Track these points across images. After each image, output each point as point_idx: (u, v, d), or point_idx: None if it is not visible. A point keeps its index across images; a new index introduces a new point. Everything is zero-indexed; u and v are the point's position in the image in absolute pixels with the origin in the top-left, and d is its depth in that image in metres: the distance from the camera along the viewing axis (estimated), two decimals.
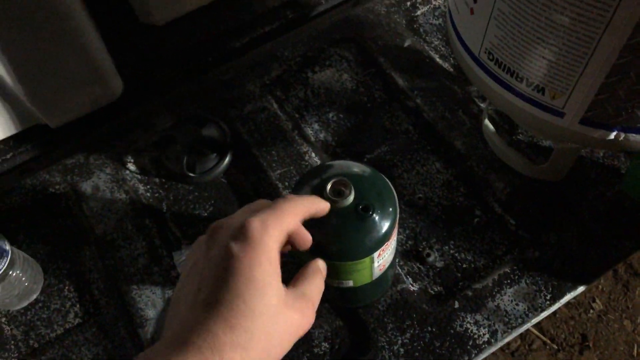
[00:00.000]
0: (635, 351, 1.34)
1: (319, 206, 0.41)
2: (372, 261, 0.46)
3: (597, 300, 1.41)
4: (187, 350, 0.30)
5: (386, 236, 0.45)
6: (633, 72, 0.41)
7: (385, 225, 0.45)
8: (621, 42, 0.39)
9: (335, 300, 0.59)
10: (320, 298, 0.38)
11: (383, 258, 0.48)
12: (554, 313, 1.39)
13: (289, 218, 0.36)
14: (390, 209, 0.45)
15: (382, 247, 0.46)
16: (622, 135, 0.46)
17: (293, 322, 0.35)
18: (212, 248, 0.35)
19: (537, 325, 1.37)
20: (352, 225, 0.44)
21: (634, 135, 0.46)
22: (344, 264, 0.46)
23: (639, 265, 1.44)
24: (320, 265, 0.41)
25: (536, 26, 0.43)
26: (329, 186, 0.43)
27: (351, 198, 0.43)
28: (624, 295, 1.41)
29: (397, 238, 0.62)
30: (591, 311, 1.39)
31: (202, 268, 0.34)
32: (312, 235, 0.39)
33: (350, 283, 0.50)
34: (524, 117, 0.50)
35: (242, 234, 0.34)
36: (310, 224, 0.40)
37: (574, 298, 1.37)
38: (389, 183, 0.47)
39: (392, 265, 0.53)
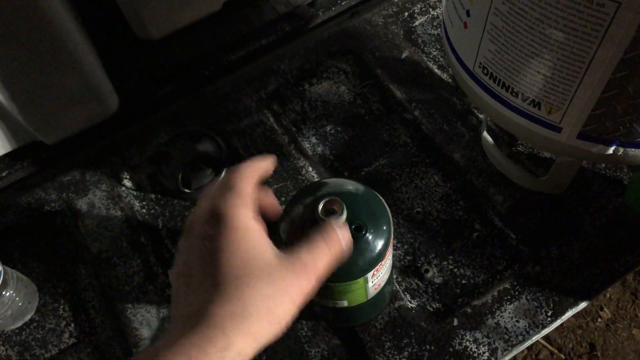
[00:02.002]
0: None
1: (264, 162, 0.40)
2: (367, 281, 0.46)
3: (605, 309, 1.38)
4: (188, 335, 0.31)
5: (380, 256, 0.44)
6: (630, 86, 0.40)
7: (379, 245, 0.44)
8: (617, 57, 0.38)
9: (331, 320, 0.58)
10: (325, 266, 0.35)
11: (378, 277, 0.47)
12: (562, 322, 1.37)
13: (244, 184, 0.36)
14: (384, 228, 0.44)
15: (376, 267, 0.45)
16: (621, 150, 0.45)
17: (289, 283, 0.34)
18: (189, 238, 0.36)
19: (544, 335, 1.35)
20: None
21: (633, 149, 0.45)
22: (337, 285, 0.45)
23: None
24: (330, 232, 0.37)
25: (530, 41, 0.42)
26: (320, 206, 0.42)
27: (343, 217, 0.42)
28: (632, 303, 1.39)
29: (395, 254, 0.61)
30: (599, 320, 1.37)
31: (187, 257, 0.35)
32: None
33: (345, 303, 0.49)
34: (521, 132, 0.49)
35: (211, 216, 0.34)
36: (298, 235, 0.39)
37: None
38: (383, 201, 0.46)
39: (389, 282, 0.53)
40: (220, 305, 0.31)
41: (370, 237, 0.43)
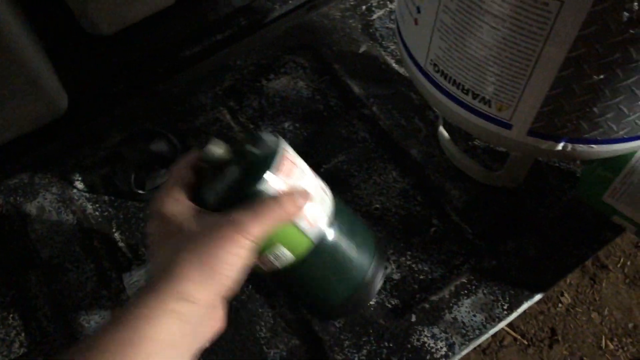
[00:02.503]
0: (603, 343, 1.36)
1: (190, 157, 0.42)
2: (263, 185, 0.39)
3: (565, 294, 1.42)
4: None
5: (268, 159, 0.39)
6: (575, 84, 0.40)
7: (262, 153, 0.40)
8: (562, 55, 0.39)
9: (298, 300, 0.52)
10: (262, 229, 0.36)
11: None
12: None
13: (170, 183, 0.40)
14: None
15: (275, 165, 0.39)
16: (570, 146, 0.46)
17: (213, 234, 0.35)
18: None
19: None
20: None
21: (580, 145, 0.45)
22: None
23: (605, 258, 1.46)
24: (284, 200, 0.38)
25: (478, 38, 0.42)
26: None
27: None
28: (591, 288, 1.43)
29: None
30: (559, 305, 1.41)
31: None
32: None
33: (286, 253, 0.41)
34: (473, 129, 0.50)
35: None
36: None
37: None
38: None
39: (349, 233, 0.44)
40: (161, 270, 0.35)
41: (251, 150, 0.40)
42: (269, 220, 0.36)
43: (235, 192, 0.39)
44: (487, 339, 1.35)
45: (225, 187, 0.39)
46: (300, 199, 0.39)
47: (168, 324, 0.33)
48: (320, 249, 0.42)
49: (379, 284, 0.46)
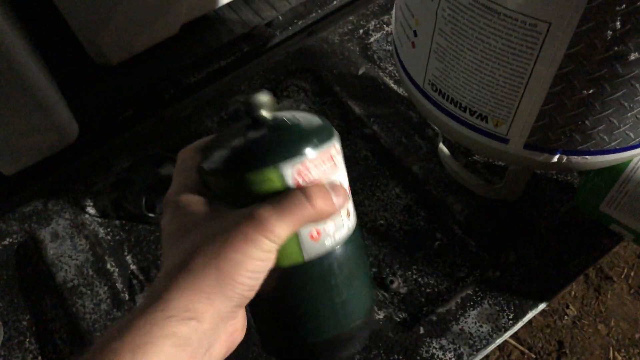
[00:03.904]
0: (611, 354, 1.36)
1: (197, 143, 0.36)
2: (283, 179, 0.31)
3: (571, 307, 1.43)
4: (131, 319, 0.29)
5: (301, 145, 0.31)
6: (567, 99, 0.42)
7: (301, 132, 0.32)
8: (552, 72, 0.41)
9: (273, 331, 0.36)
10: (288, 229, 0.30)
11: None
12: (530, 322, 1.40)
13: (178, 174, 0.35)
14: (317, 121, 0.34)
15: (302, 162, 0.31)
16: (565, 158, 0.48)
17: (232, 235, 0.29)
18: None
19: (514, 336, 1.38)
20: (245, 131, 0.33)
21: (575, 157, 0.47)
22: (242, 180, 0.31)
23: (609, 269, 1.46)
24: (299, 195, 0.31)
25: (473, 59, 0.44)
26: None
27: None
28: (596, 299, 1.44)
29: None
30: (566, 317, 1.41)
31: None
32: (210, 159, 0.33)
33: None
34: (472, 144, 0.52)
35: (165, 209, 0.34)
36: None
37: (548, 306, 1.39)
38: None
39: (352, 254, 0.34)
40: (159, 278, 0.30)
41: (288, 122, 0.33)
42: (297, 219, 0.30)
43: (258, 166, 0.31)
44: (495, 354, 1.35)
45: (248, 155, 0.31)
46: (338, 197, 0.32)
47: (164, 353, 0.28)
48: (307, 272, 0.33)
49: (361, 342, 0.37)
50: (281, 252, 0.31)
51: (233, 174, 0.32)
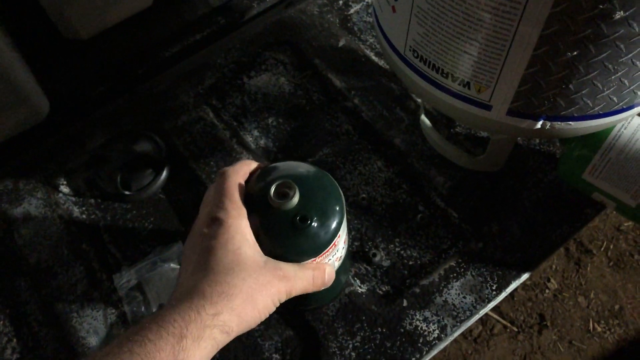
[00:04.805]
0: (591, 326, 1.39)
1: (250, 166, 0.47)
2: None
3: (552, 280, 1.44)
4: (185, 303, 0.38)
5: (318, 249, 0.44)
6: (551, 62, 0.41)
7: (320, 240, 0.44)
8: (536, 33, 0.40)
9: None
10: (301, 287, 0.43)
11: None
12: (512, 296, 1.42)
13: (233, 190, 0.43)
14: (332, 226, 0.44)
15: (312, 259, 0.45)
16: (548, 124, 0.47)
17: (270, 283, 0.41)
18: (192, 236, 0.44)
19: (497, 310, 1.40)
20: (288, 230, 0.43)
21: (559, 123, 0.47)
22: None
23: (589, 243, 1.48)
24: (322, 266, 0.46)
25: (455, 21, 0.42)
26: (273, 189, 0.42)
27: (296, 200, 0.42)
28: (577, 272, 1.46)
29: None
30: (547, 291, 1.43)
31: (188, 252, 0.43)
32: (252, 229, 0.42)
33: None
34: (454, 112, 0.51)
35: (209, 219, 0.42)
36: (249, 218, 0.42)
37: (530, 279, 1.40)
38: (337, 185, 0.46)
39: (342, 272, 0.53)
40: (211, 285, 0.39)
41: (313, 230, 0.43)
42: (305, 288, 0.44)
43: (293, 259, 0.44)
44: (478, 328, 1.37)
45: (291, 250, 0.44)
46: (330, 279, 0.47)
47: (207, 351, 0.38)
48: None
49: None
50: None
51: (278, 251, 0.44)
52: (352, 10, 0.80)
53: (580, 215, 0.62)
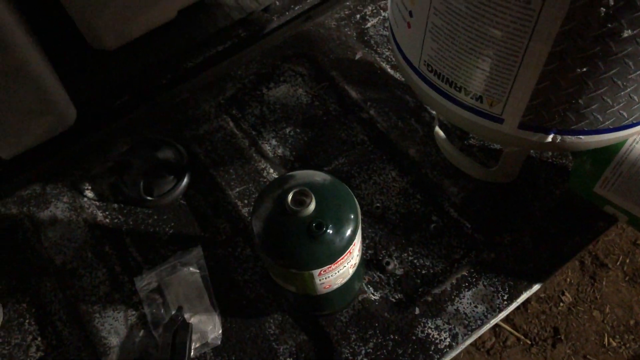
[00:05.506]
0: (606, 340, 1.37)
1: None
2: (312, 277, 0.47)
3: (567, 293, 1.44)
4: None
5: (330, 258, 0.46)
6: (561, 77, 0.43)
7: (334, 249, 0.46)
8: (546, 50, 0.41)
9: (293, 305, 0.60)
10: None
11: (327, 277, 0.49)
12: (526, 308, 1.42)
13: None
14: (347, 234, 0.46)
15: (324, 269, 0.46)
16: (559, 138, 0.48)
17: None
18: None
19: (510, 322, 1.39)
20: (304, 237, 0.44)
21: (569, 136, 0.48)
22: (282, 268, 0.47)
23: (604, 257, 1.47)
24: None
25: (468, 38, 0.44)
26: (290, 196, 0.43)
27: (312, 207, 0.44)
28: (592, 286, 1.45)
29: None
30: (561, 304, 1.42)
31: None
32: (266, 235, 0.44)
33: (292, 288, 0.51)
34: (467, 125, 0.52)
35: None
36: (267, 225, 0.44)
37: (544, 292, 1.40)
38: (352, 194, 0.48)
39: (356, 279, 0.54)
40: None
41: (328, 237, 0.45)
42: None
43: (301, 269, 0.47)
44: (491, 340, 1.36)
45: (299, 260, 0.46)
46: None
47: None
48: (319, 296, 0.53)
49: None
50: (299, 287, 0.50)
51: (280, 263, 0.47)
52: (369, 24, 0.82)
53: (592, 227, 0.63)
